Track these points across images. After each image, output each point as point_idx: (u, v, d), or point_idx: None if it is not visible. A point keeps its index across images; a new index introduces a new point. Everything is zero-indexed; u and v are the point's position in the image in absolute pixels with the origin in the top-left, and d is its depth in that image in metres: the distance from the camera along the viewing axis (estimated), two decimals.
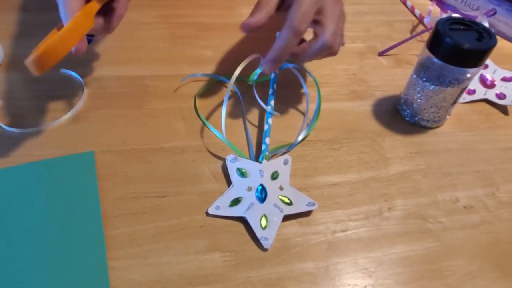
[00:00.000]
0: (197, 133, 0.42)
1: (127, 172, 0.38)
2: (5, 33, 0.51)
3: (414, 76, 0.43)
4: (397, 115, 0.46)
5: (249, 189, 0.36)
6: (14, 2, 0.58)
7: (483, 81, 0.51)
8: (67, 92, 0.45)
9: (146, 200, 0.36)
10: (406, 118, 0.45)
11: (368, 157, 0.41)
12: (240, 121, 0.44)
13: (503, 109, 0.49)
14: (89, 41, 0.52)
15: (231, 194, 0.36)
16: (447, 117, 0.45)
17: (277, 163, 0.39)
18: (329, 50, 0.38)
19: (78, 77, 0.46)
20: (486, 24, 0.55)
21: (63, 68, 0.47)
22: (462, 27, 0.39)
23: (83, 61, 0.49)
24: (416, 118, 0.44)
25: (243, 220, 0.35)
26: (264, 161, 0.39)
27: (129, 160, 0.38)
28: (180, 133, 0.42)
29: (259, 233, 0.34)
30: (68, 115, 0.42)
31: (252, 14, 0.37)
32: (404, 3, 0.67)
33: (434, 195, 0.39)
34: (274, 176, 0.38)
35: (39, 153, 0.38)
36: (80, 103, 0.43)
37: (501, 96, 0.49)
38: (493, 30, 0.39)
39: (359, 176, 0.39)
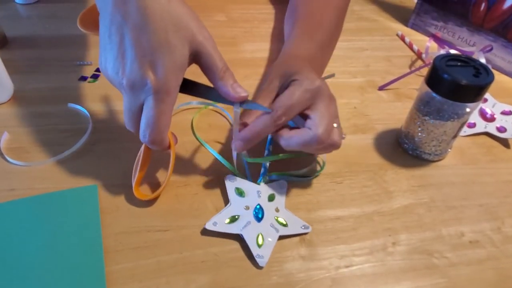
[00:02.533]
0: (200, 167, 0.42)
1: (130, 206, 0.38)
2: (16, 69, 0.53)
3: (414, 110, 0.43)
4: (399, 148, 0.46)
5: (247, 208, 0.37)
6: (24, 39, 0.60)
7: (483, 114, 0.51)
8: (73, 126, 0.46)
9: (148, 234, 0.35)
10: (408, 151, 0.46)
11: (370, 191, 0.41)
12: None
13: (504, 142, 0.49)
14: (96, 76, 0.53)
15: (229, 211, 0.37)
16: (449, 150, 0.45)
17: (274, 186, 0.40)
18: (321, 145, 0.35)
19: (85, 111, 0.47)
20: (483, 60, 0.57)
21: (70, 103, 0.48)
22: (459, 63, 0.40)
23: (89, 96, 0.50)
24: (418, 152, 0.45)
25: (240, 240, 0.35)
26: (262, 183, 0.40)
27: (132, 194, 0.38)
28: (183, 167, 0.42)
29: (255, 251, 0.34)
30: (73, 148, 0.43)
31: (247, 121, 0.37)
32: (403, 39, 0.69)
33: (438, 229, 0.38)
34: (271, 198, 0.39)
35: (43, 186, 0.39)
36: (86, 137, 0.44)
37: (501, 129, 0.49)
38: (490, 66, 0.40)
39: (362, 210, 0.39)
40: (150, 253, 0.34)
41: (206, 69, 0.35)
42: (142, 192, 0.39)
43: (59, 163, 0.41)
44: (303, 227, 0.36)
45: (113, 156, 0.42)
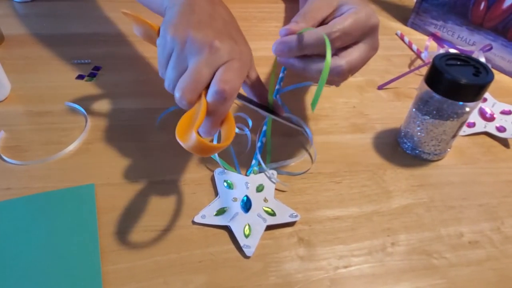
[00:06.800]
0: (198, 165, 0.42)
1: (127, 205, 0.37)
2: (12, 67, 0.52)
3: (414, 109, 0.43)
4: (398, 148, 0.46)
5: (235, 199, 0.38)
6: (21, 37, 0.60)
7: (482, 114, 0.51)
8: (70, 124, 0.45)
9: (146, 234, 0.35)
10: (407, 151, 0.45)
11: (369, 190, 0.41)
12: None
13: (504, 142, 0.49)
14: (93, 75, 0.53)
15: (217, 204, 0.38)
16: (448, 150, 0.45)
17: (263, 177, 0.40)
18: (336, 77, 0.35)
19: (82, 109, 0.47)
20: (483, 59, 0.57)
21: (67, 101, 0.48)
22: (458, 63, 0.40)
23: (87, 94, 0.50)
24: (417, 151, 0.45)
25: (232, 234, 0.35)
26: (252, 174, 0.40)
27: (129, 193, 0.38)
28: (181, 165, 0.42)
29: (242, 241, 0.35)
30: (70, 147, 0.42)
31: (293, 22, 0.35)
32: (402, 38, 0.69)
33: (438, 230, 0.38)
34: (259, 188, 0.39)
35: (39, 186, 0.38)
36: (83, 136, 0.44)
37: (501, 129, 0.49)
38: (489, 65, 0.40)
39: (361, 209, 0.39)
40: (147, 253, 0.34)
41: (251, 80, 0.38)
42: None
43: (56, 162, 0.41)
44: (291, 216, 0.37)
45: (111, 155, 0.42)
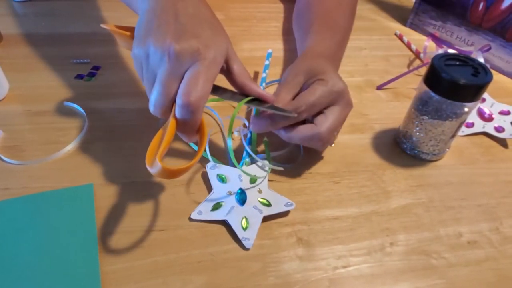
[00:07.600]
0: (197, 166, 0.42)
1: (126, 206, 0.37)
2: (11, 67, 0.52)
3: (413, 109, 0.43)
4: (397, 148, 0.46)
5: (229, 193, 0.38)
6: (20, 37, 0.59)
7: (481, 114, 0.51)
8: (69, 124, 0.45)
9: (144, 234, 0.35)
10: (406, 151, 0.45)
11: (368, 191, 0.41)
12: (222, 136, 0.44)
13: (503, 142, 0.49)
14: (93, 75, 0.53)
15: (212, 199, 0.38)
16: (447, 150, 0.45)
17: (255, 169, 0.41)
18: (319, 143, 0.38)
19: (81, 109, 0.47)
20: (482, 60, 0.57)
21: (66, 101, 0.48)
22: (457, 63, 0.40)
23: (86, 94, 0.50)
24: (416, 151, 0.45)
25: (230, 229, 0.35)
26: (244, 166, 0.41)
27: (128, 193, 0.38)
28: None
29: (240, 234, 0.35)
30: (69, 147, 0.42)
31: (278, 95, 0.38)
32: (401, 39, 0.69)
33: (437, 230, 0.38)
34: (253, 180, 0.39)
35: (38, 185, 0.38)
36: (82, 136, 0.44)
37: (499, 129, 0.49)
38: (488, 65, 0.40)
39: (360, 210, 0.39)
40: (146, 253, 0.34)
41: (235, 72, 0.36)
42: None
43: (55, 162, 0.41)
44: (286, 205, 0.37)
45: (109, 155, 0.42)
